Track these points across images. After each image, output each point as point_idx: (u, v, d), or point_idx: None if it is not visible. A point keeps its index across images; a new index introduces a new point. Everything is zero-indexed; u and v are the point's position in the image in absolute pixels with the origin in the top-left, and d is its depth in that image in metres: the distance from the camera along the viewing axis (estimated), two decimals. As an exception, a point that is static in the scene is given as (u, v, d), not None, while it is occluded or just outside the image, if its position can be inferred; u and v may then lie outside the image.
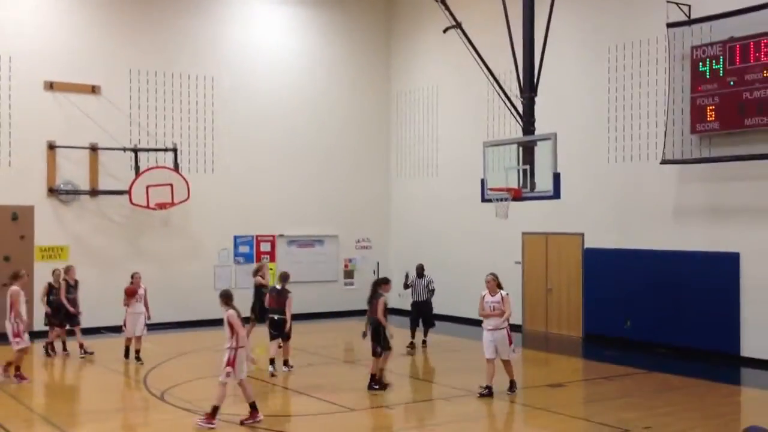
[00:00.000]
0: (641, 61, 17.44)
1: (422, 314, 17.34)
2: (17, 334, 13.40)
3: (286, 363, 14.66)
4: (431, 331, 17.62)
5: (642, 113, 17.40)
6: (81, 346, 16.13)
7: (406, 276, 17.62)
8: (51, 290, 16.25)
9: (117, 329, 19.46)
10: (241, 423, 10.59)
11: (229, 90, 21.70)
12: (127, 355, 15.66)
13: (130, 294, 15.59)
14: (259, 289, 16.56)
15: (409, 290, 17.54)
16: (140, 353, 15.49)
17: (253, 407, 10.75)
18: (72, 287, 16.31)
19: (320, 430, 10.67)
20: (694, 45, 15.90)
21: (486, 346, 12.52)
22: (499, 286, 12.69)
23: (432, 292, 17.43)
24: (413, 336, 17.22)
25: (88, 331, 19.15)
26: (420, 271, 17.51)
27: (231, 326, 10.63)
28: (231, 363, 10.59)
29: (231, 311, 10.75)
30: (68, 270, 16.46)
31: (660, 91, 16.94)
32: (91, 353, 16.07)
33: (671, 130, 16.30)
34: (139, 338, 15.62)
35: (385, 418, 11.60)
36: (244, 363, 10.76)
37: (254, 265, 18.53)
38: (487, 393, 12.32)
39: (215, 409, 10.47)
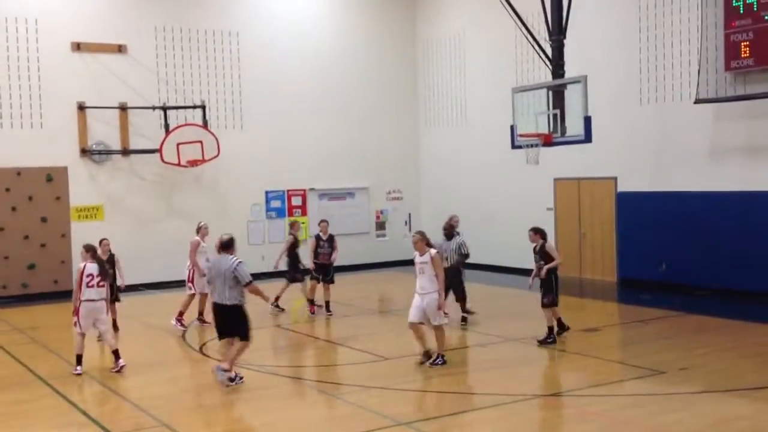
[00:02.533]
0: (673, -1, 17.03)
1: (451, 284, 13.65)
2: (191, 281, 14.51)
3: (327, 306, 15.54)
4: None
5: (674, 52, 17.04)
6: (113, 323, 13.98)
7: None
8: None
9: (154, 286, 19.87)
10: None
11: (255, 45, 21.60)
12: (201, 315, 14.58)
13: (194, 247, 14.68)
14: (293, 248, 16.07)
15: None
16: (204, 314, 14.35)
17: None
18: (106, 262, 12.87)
19: (358, 379, 10.79)
20: (727, -21, 15.47)
21: (411, 309, 11.24)
22: (429, 245, 11.22)
23: (464, 256, 14.24)
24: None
25: (126, 289, 19.47)
26: (449, 231, 14.30)
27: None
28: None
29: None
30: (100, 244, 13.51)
31: (692, 28, 16.55)
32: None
33: (705, 69, 15.95)
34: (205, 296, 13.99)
35: (420, 366, 11.68)
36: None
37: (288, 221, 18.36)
38: (427, 359, 11.22)
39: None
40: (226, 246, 10.75)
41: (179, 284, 20.08)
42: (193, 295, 14.58)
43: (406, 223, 21.77)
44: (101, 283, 11.40)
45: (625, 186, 18.21)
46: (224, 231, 21.31)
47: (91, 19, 19.71)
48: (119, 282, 14.14)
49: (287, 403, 9.96)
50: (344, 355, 12.44)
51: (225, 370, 10.44)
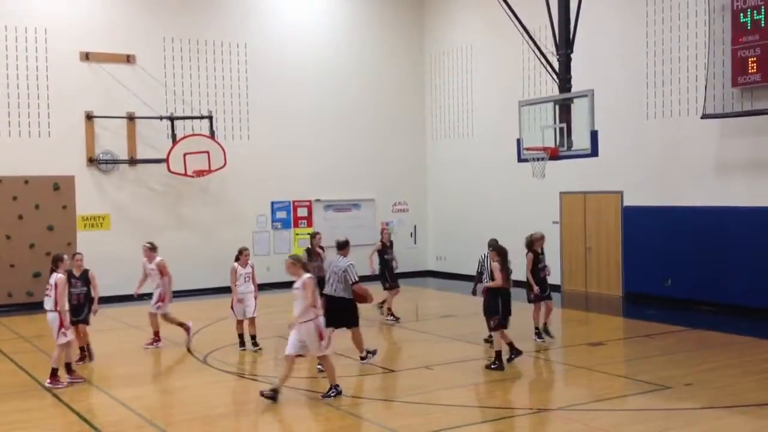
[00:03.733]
0: (680, 14, 17.05)
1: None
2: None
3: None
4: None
5: (681, 67, 17.05)
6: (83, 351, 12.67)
7: (479, 264, 12.71)
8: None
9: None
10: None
11: (263, 56, 21.70)
12: (242, 343, 13.48)
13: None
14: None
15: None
16: (256, 338, 13.50)
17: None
18: (77, 279, 12.57)
19: (363, 391, 10.77)
20: (735, -5, 15.50)
21: (290, 338, 10.35)
22: (305, 269, 10.36)
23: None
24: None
25: (132, 299, 19.53)
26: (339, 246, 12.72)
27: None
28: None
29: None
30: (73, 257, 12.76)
31: (700, 44, 16.57)
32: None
33: (712, 84, 15.96)
34: (252, 320, 13.46)
35: (425, 378, 11.67)
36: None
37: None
38: (271, 397, 10.07)
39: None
40: (341, 247, 12.19)
41: (184, 294, 20.19)
42: (241, 322, 13.45)
43: (411, 235, 21.78)
44: (48, 293, 11.26)
45: (630, 200, 18.20)
46: (229, 241, 21.50)
47: (100, 30, 19.83)
48: (94, 307, 12.58)
49: (290, 414, 9.94)
50: (348, 367, 12.41)
51: (363, 358, 12.15)
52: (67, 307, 11.64)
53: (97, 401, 10.69)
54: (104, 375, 12.14)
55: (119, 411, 10.08)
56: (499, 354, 11.80)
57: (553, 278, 19.75)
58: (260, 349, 13.27)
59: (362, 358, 12.22)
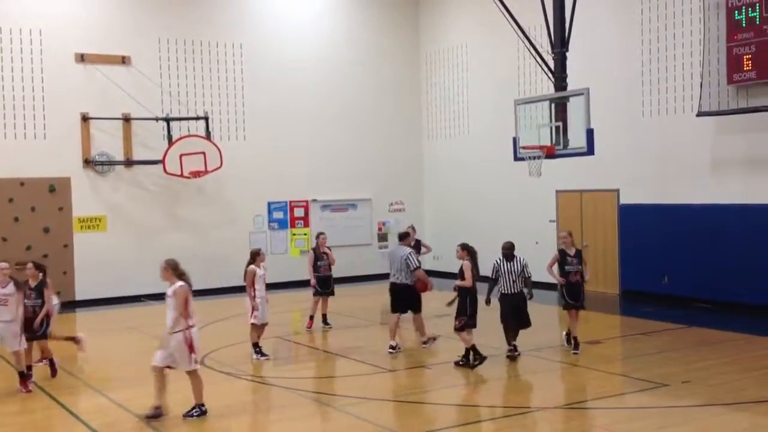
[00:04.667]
0: (675, 12, 17.08)
1: (517, 314, 12.29)
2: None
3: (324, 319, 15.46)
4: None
5: (677, 65, 17.07)
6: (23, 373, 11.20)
7: (494, 270, 12.32)
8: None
9: (156, 297, 19.84)
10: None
11: (258, 57, 21.68)
12: (258, 349, 12.94)
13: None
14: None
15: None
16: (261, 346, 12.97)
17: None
18: (32, 290, 11.70)
19: (360, 391, 10.77)
20: (729, -8, 15.53)
21: (158, 350, 9.70)
22: (180, 275, 9.62)
23: (528, 280, 12.34)
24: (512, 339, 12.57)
25: (129, 300, 19.56)
26: (509, 251, 12.30)
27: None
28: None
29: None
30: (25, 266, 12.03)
31: (695, 41, 16.59)
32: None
33: (707, 82, 15.98)
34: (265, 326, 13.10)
35: (422, 378, 11.68)
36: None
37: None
38: (153, 415, 9.50)
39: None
40: (402, 238, 13.41)
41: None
42: (263, 326, 13.00)
43: (408, 234, 21.84)
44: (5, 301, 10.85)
45: (627, 198, 18.21)
46: (226, 242, 21.48)
47: (95, 31, 19.79)
48: (51, 321, 11.61)
49: (288, 414, 9.94)
50: (346, 367, 12.42)
51: (425, 343, 12.99)
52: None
53: (93, 403, 10.67)
54: (101, 377, 12.13)
55: (116, 413, 10.07)
56: (468, 351, 11.78)
57: (550, 276, 19.81)
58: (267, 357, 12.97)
59: (423, 343, 13.16)
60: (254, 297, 12.73)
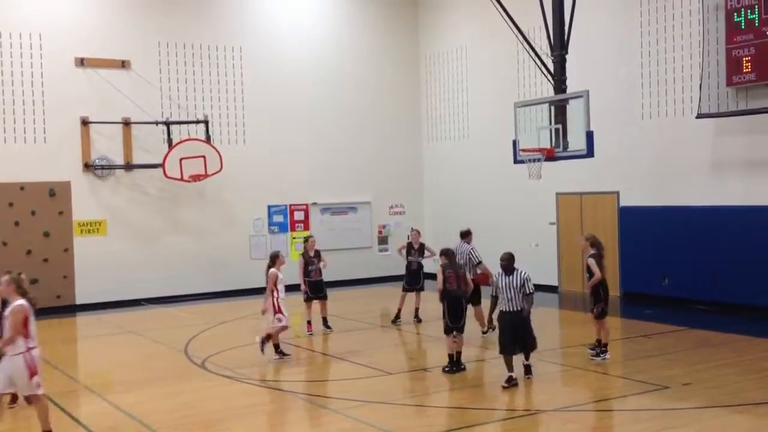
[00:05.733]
0: (674, 14, 17.08)
1: (520, 332, 11.05)
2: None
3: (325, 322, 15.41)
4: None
5: (676, 67, 17.08)
6: None
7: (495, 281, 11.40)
8: None
9: (156, 300, 19.87)
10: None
11: (258, 60, 21.68)
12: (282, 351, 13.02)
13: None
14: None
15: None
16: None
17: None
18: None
19: (360, 394, 10.76)
20: (729, -5, 15.53)
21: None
22: (21, 292, 8.70)
23: (531, 297, 10.98)
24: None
25: (129, 304, 19.57)
26: (508, 264, 11.04)
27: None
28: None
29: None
30: None
31: (694, 43, 16.60)
32: None
33: (706, 84, 15.98)
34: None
35: (422, 381, 11.67)
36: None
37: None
38: None
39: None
40: (464, 236, 14.38)
41: (181, 299, 20.17)
42: (283, 328, 12.95)
43: (408, 237, 21.75)
44: None
45: (627, 200, 18.21)
46: (226, 245, 21.45)
47: (94, 35, 19.79)
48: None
49: (287, 417, 9.93)
50: (346, 370, 12.41)
51: (484, 332, 13.97)
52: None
53: (95, 407, 10.66)
54: (102, 381, 12.13)
55: (117, 417, 10.07)
56: (452, 357, 11.67)
57: (551, 279, 19.90)
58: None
59: (483, 332, 14.01)
60: (277, 299, 12.75)
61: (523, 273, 10.92)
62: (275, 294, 12.78)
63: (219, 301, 20.04)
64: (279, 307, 12.80)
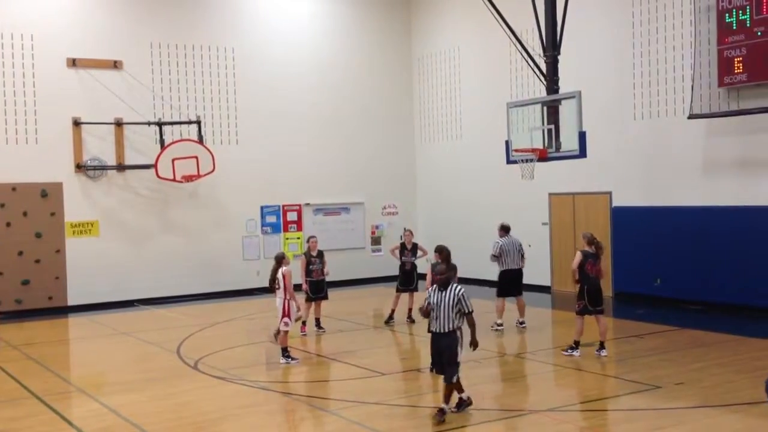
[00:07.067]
0: (666, 14, 17.14)
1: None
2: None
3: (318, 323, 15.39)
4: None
5: (668, 68, 17.13)
6: None
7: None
8: None
9: (148, 301, 19.84)
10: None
11: (250, 60, 21.67)
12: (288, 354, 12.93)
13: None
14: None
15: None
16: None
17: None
18: None
19: (353, 395, 10.76)
20: (720, -5, 15.59)
21: None
22: None
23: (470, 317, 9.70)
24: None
25: (121, 305, 19.53)
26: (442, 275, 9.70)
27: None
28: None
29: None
30: None
31: (686, 44, 16.65)
32: None
33: (698, 84, 16.04)
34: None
35: (415, 381, 11.68)
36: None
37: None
38: None
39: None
40: (508, 230, 15.09)
41: (173, 300, 20.14)
42: (286, 332, 12.87)
43: (401, 238, 21.76)
44: None
45: (619, 201, 18.26)
46: (219, 246, 21.43)
47: (86, 35, 19.75)
48: None
49: (282, 418, 9.92)
50: (339, 371, 12.41)
51: (522, 323, 14.74)
52: None
53: (87, 408, 10.63)
54: (95, 382, 12.10)
55: (110, 418, 10.04)
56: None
57: (543, 279, 19.95)
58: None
59: (521, 323, 14.89)
60: (287, 301, 12.62)
61: (458, 289, 9.43)
62: (286, 295, 12.64)
63: (212, 302, 20.01)
64: (288, 310, 12.68)
